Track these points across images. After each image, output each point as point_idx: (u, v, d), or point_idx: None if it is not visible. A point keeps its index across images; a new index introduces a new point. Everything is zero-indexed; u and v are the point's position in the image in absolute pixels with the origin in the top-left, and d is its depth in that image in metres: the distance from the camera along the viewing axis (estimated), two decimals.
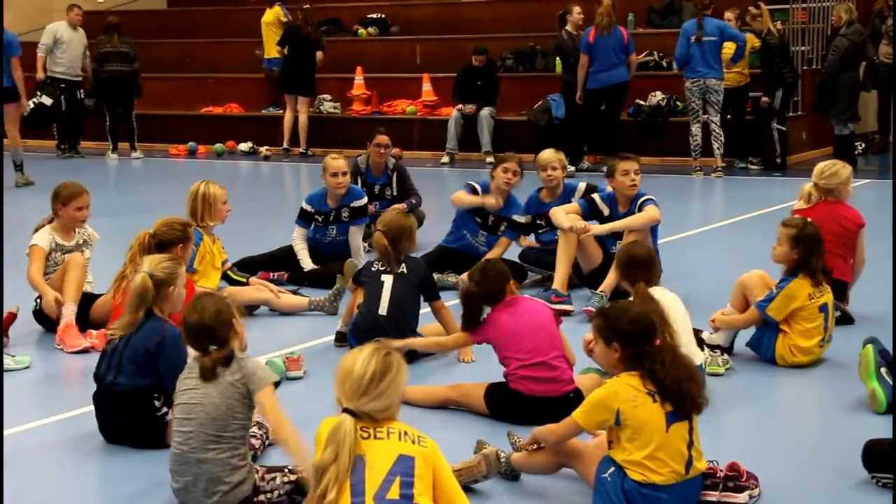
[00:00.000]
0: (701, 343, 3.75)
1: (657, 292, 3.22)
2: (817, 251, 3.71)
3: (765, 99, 8.91)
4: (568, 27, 9.37)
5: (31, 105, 9.87)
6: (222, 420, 2.53)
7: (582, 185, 5.07)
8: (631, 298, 3.21)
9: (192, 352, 2.67)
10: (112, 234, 5.02)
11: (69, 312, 4.06)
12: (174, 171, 10.16)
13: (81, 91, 10.34)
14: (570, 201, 4.98)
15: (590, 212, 4.71)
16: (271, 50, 10.87)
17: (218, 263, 4.53)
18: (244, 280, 4.68)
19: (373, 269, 3.90)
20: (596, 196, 4.76)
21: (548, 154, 5.05)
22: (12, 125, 8.68)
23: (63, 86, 10.14)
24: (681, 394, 2.49)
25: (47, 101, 10.08)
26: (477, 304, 3.30)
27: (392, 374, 2.16)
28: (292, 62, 10.33)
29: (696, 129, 8.82)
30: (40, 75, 10.11)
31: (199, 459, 2.54)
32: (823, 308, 3.72)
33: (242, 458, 2.58)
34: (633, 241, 3.71)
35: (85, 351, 3.97)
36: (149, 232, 3.68)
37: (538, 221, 5.08)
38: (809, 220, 3.86)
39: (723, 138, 8.79)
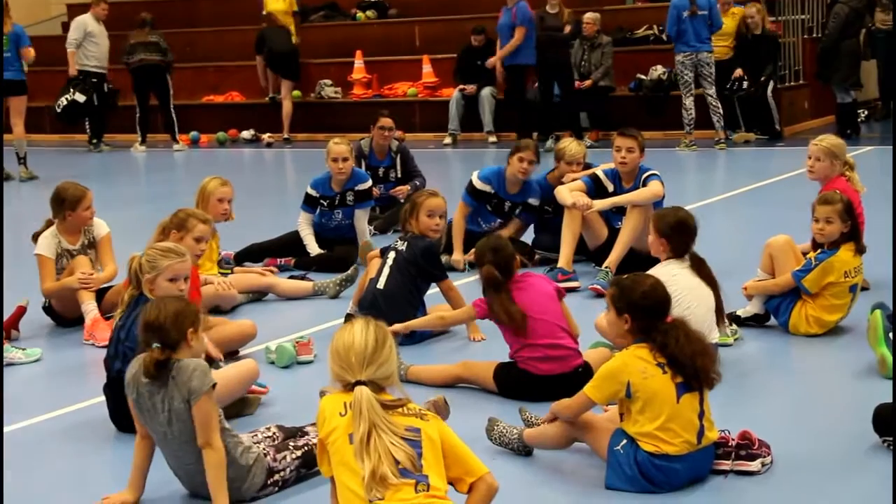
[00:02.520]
0: (738, 321, 3.73)
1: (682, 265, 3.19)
2: (856, 218, 3.69)
3: (743, 78, 8.86)
4: (548, 7, 9.28)
5: (64, 102, 9.84)
6: (194, 435, 2.49)
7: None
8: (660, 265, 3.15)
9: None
10: (119, 226, 5.01)
11: (91, 308, 4.05)
12: (180, 162, 10.14)
13: (108, 84, 10.27)
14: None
15: (594, 189, 4.67)
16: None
17: (215, 257, 4.51)
18: (229, 272, 4.68)
19: (392, 244, 3.93)
20: (600, 172, 4.71)
21: (574, 148, 4.94)
22: (19, 118, 8.67)
23: (94, 80, 10.06)
24: (695, 368, 2.49)
25: (80, 97, 10.00)
26: (500, 284, 3.21)
27: (389, 341, 2.21)
28: (272, 56, 10.47)
29: (689, 102, 8.80)
30: (73, 71, 10.01)
31: (199, 471, 2.52)
32: (853, 289, 3.70)
33: (236, 445, 2.55)
34: (675, 207, 3.50)
35: None
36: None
37: (546, 207, 5.01)
38: (837, 191, 3.82)
39: (721, 110, 8.77)
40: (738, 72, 8.96)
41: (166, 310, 2.55)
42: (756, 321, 3.80)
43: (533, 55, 9.05)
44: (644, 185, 4.57)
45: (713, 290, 3.18)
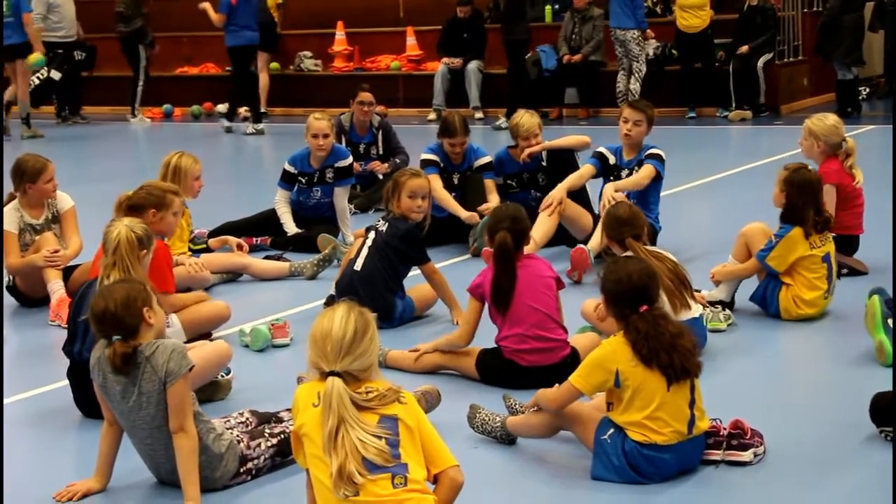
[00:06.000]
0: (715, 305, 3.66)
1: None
2: (808, 199, 3.57)
3: (744, 48, 8.85)
4: None
5: (37, 81, 9.74)
6: (166, 419, 2.41)
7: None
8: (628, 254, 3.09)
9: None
10: (85, 201, 4.84)
11: (58, 288, 3.96)
12: (150, 136, 9.90)
13: (80, 52, 10.06)
14: (540, 163, 4.87)
15: (602, 168, 4.61)
16: None
17: (186, 237, 4.41)
18: (204, 246, 4.61)
19: (374, 223, 3.83)
20: (603, 149, 4.65)
21: (528, 121, 4.87)
22: (23, 80, 9.04)
23: (61, 51, 9.85)
24: (661, 364, 2.42)
25: (56, 75, 9.82)
26: (511, 255, 3.05)
27: (371, 332, 2.11)
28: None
29: (620, 76, 8.97)
30: (40, 48, 9.69)
31: (168, 458, 2.45)
32: (826, 258, 3.63)
33: (208, 432, 2.48)
34: (614, 203, 3.62)
35: None
36: (128, 194, 3.53)
37: (509, 182, 4.95)
38: (808, 167, 3.73)
39: (634, 86, 8.86)
40: (744, 48, 8.88)
41: (114, 297, 2.44)
42: (721, 307, 3.67)
43: (248, 37, 9.19)
44: (641, 164, 4.46)
45: (672, 270, 3.10)
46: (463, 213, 4.77)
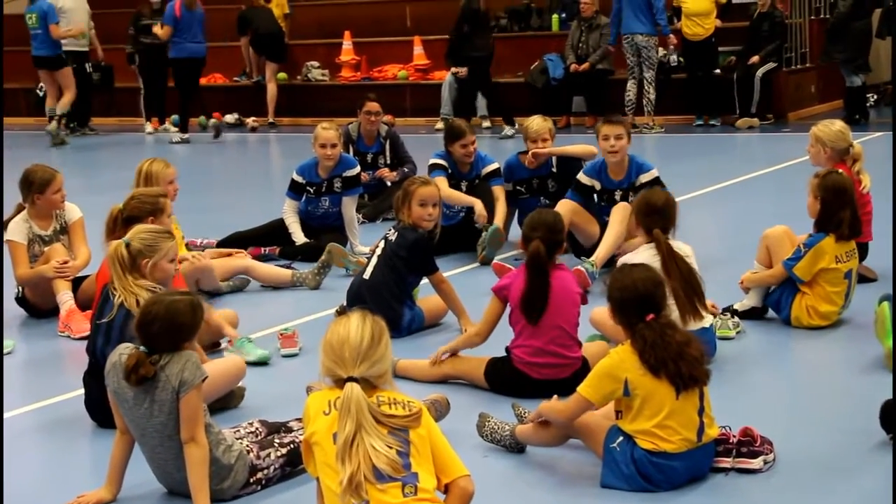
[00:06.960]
0: (735, 314, 3.65)
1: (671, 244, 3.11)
2: (843, 201, 3.55)
3: (755, 58, 8.85)
4: None
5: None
6: (177, 428, 2.41)
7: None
8: (635, 241, 3.06)
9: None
10: (90, 213, 4.86)
11: (67, 299, 3.97)
12: (154, 147, 9.96)
13: (90, 64, 10.13)
14: (550, 170, 4.89)
15: (582, 198, 4.51)
16: None
17: (178, 235, 4.38)
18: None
19: (386, 232, 3.82)
20: (581, 176, 4.55)
21: (538, 124, 4.88)
22: (66, 90, 9.48)
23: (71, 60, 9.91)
24: (669, 373, 2.41)
25: None
26: (544, 265, 2.99)
27: (385, 338, 2.13)
28: (256, 37, 10.49)
29: (630, 84, 8.93)
30: None
31: (178, 468, 2.46)
32: (848, 275, 3.62)
33: (218, 443, 2.48)
34: (651, 189, 3.50)
35: None
36: (119, 206, 3.53)
37: (518, 188, 4.96)
38: (840, 170, 3.72)
39: (652, 96, 8.85)
40: (755, 58, 8.88)
41: (171, 314, 2.42)
42: (754, 315, 3.70)
43: (191, 49, 9.32)
44: (639, 184, 4.36)
45: (685, 278, 3.06)
46: (478, 206, 4.75)
